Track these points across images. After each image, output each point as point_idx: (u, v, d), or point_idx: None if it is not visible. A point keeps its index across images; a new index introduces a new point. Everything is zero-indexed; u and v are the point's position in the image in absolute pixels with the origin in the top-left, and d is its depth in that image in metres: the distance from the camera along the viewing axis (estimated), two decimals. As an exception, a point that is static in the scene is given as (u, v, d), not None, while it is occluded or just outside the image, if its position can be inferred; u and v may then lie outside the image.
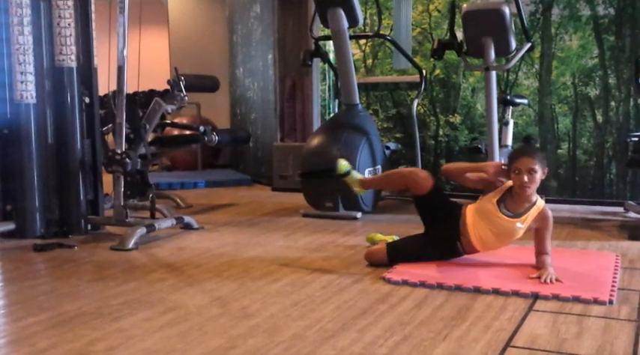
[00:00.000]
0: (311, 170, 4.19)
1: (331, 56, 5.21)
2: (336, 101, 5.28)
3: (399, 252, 3.05)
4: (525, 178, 2.79)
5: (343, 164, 3.26)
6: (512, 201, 2.88)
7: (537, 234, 2.92)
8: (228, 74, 7.06)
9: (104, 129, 4.43)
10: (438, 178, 3.07)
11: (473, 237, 2.94)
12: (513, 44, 4.25)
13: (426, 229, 3.12)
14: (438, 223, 3.07)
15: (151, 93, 4.53)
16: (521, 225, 2.88)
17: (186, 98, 4.24)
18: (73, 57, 3.81)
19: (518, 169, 2.81)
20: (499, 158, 4.09)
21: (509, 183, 2.91)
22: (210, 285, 2.78)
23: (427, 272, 2.86)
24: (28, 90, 3.72)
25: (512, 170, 2.83)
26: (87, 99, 3.90)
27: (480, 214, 2.93)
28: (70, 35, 3.77)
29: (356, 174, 3.29)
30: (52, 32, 3.77)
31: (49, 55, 3.79)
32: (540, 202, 2.91)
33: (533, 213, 2.88)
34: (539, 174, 2.81)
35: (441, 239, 3.04)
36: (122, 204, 3.75)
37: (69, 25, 3.77)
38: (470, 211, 2.97)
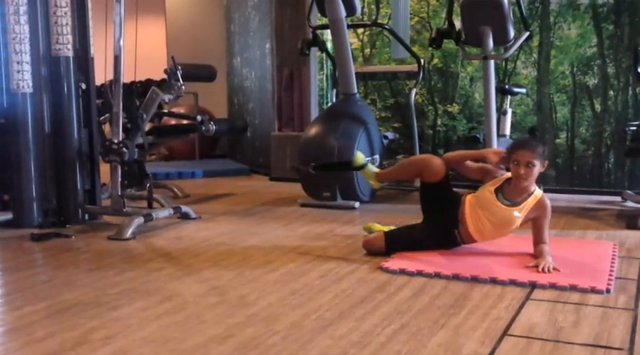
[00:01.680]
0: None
1: (329, 45, 5.19)
2: (334, 90, 5.26)
3: (397, 241, 3.06)
4: (522, 170, 2.79)
5: (360, 156, 3.26)
6: (511, 191, 2.89)
7: (535, 223, 2.93)
8: (225, 63, 7.03)
9: (101, 118, 4.41)
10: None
11: (471, 227, 2.94)
12: (512, 33, 4.23)
13: (425, 218, 3.13)
14: (439, 212, 3.07)
15: (148, 82, 4.51)
16: (518, 214, 2.88)
17: (183, 87, 4.21)
18: (70, 46, 3.79)
19: (516, 160, 2.81)
20: (497, 147, 4.08)
21: (508, 174, 2.92)
22: (207, 274, 2.78)
23: (425, 261, 2.86)
24: (24, 79, 3.70)
25: (511, 160, 2.84)
26: (83, 86, 3.88)
27: (478, 203, 2.93)
28: (67, 24, 3.75)
29: (372, 168, 3.29)
30: (48, 21, 3.75)
31: (46, 45, 3.77)
32: (538, 192, 2.92)
33: (530, 202, 2.89)
34: (538, 168, 2.82)
35: (440, 228, 3.05)
36: (119, 193, 3.74)
37: (65, 14, 3.75)
38: (469, 201, 2.97)
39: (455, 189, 3.12)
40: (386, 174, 3.32)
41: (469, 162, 3.04)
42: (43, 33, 3.75)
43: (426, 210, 3.13)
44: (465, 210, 2.96)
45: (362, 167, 3.28)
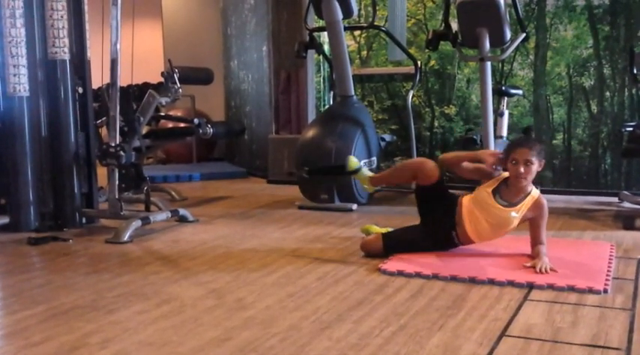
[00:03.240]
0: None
1: (326, 48, 5.19)
2: (331, 93, 5.26)
3: (395, 243, 3.06)
4: (521, 169, 2.79)
5: (354, 161, 3.29)
6: (508, 191, 2.89)
7: (532, 223, 2.93)
8: (222, 66, 7.04)
9: (98, 122, 4.41)
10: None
11: (468, 228, 2.95)
12: (508, 35, 4.24)
13: (422, 220, 3.13)
14: (435, 213, 3.07)
15: (145, 85, 4.51)
16: (515, 214, 2.88)
17: (180, 90, 4.22)
18: (66, 49, 3.78)
19: (515, 159, 2.81)
20: (495, 149, 4.09)
21: (506, 173, 2.92)
22: (205, 277, 2.78)
23: (423, 262, 2.86)
24: (21, 83, 3.70)
25: (509, 160, 2.84)
26: (80, 89, 3.88)
27: (475, 203, 2.93)
28: (63, 27, 3.75)
29: (366, 171, 3.30)
30: (44, 25, 3.75)
31: (42, 48, 3.77)
32: (535, 192, 2.92)
33: (528, 203, 2.89)
34: (536, 166, 2.82)
35: (437, 229, 3.05)
36: (117, 197, 3.74)
37: (61, 17, 3.75)
38: (466, 201, 2.98)
39: (451, 191, 3.13)
40: (380, 178, 3.33)
41: (466, 163, 3.04)
42: (39, 36, 3.75)
43: (422, 213, 3.13)
44: (461, 211, 2.96)
45: (356, 171, 3.30)
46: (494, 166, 2.93)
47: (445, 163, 3.09)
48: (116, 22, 3.68)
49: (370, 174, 3.30)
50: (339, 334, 2.10)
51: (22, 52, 3.68)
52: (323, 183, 4.32)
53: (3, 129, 3.74)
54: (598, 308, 2.32)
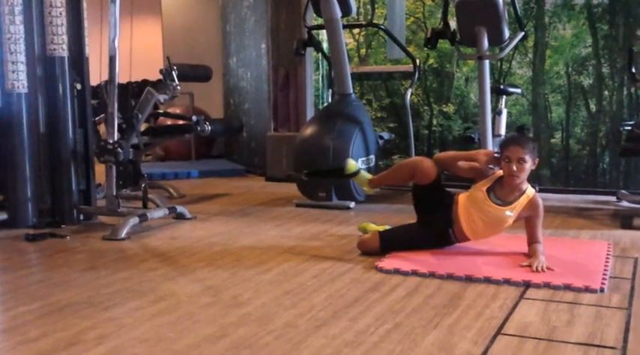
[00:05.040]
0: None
1: (324, 45, 5.19)
2: (330, 91, 5.26)
3: (392, 241, 3.06)
4: (514, 167, 2.80)
5: (352, 164, 3.27)
6: (502, 190, 2.89)
7: (528, 222, 2.93)
8: (221, 64, 7.03)
9: (96, 118, 4.41)
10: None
11: (464, 226, 2.95)
12: (507, 33, 4.24)
13: (419, 218, 3.13)
14: (432, 212, 3.07)
15: (144, 82, 4.51)
16: (510, 213, 2.89)
17: (178, 88, 4.21)
18: (65, 46, 3.78)
19: (508, 157, 2.82)
20: (492, 147, 4.09)
21: (500, 172, 2.92)
22: (201, 274, 2.78)
23: (419, 260, 2.87)
24: (19, 79, 3.70)
25: (502, 158, 2.84)
26: (78, 86, 3.88)
27: (470, 202, 2.94)
28: (62, 24, 3.75)
29: (365, 174, 3.29)
30: (43, 21, 3.75)
31: (41, 45, 3.77)
32: (530, 191, 2.93)
33: (522, 202, 2.90)
34: (529, 164, 2.83)
35: (433, 227, 3.05)
36: (114, 193, 3.74)
37: (60, 14, 3.75)
38: (462, 199, 2.99)
39: (447, 189, 3.14)
40: (379, 179, 3.30)
41: (461, 162, 3.04)
42: (38, 33, 3.75)
43: (419, 211, 3.14)
44: (458, 209, 2.97)
45: (354, 174, 3.28)
46: (488, 165, 2.93)
47: (440, 163, 3.09)
48: (115, 18, 3.68)
49: (369, 176, 3.29)
50: (335, 331, 2.10)
51: (20, 48, 3.68)
52: (321, 180, 4.32)
53: (1, 126, 3.74)
54: (594, 307, 2.33)
